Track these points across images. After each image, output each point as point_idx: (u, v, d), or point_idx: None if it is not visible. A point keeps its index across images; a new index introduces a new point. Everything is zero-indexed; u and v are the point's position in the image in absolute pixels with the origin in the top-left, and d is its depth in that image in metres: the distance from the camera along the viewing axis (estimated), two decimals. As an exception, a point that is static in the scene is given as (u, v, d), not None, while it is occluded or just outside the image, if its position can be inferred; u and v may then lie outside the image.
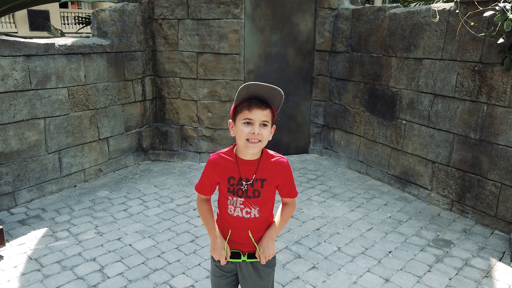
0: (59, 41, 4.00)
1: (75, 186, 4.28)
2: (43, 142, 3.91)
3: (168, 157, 5.23)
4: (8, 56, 3.52)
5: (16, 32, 17.99)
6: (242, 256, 1.73)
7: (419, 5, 6.40)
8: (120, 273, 2.78)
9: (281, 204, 1.81)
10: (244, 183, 1.64)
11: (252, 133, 1.56)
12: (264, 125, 1.58)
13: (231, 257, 1.73)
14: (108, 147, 4.64)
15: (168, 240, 3.23)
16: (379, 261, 2.98)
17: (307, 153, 5.55)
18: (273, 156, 1.70)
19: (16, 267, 2.82)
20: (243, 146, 1.60)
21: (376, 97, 4.55)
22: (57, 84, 3.95)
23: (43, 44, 3.80)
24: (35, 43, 3.74)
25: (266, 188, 1.67)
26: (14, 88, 3.60)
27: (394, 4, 4.48)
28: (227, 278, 1.81)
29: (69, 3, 21.36)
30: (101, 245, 3.13)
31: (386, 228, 3.49)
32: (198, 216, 3.63)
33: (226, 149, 1.72)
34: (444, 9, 3.70)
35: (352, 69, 4.85)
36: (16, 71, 3.59)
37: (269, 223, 1.79)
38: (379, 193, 4.27)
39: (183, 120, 5.14)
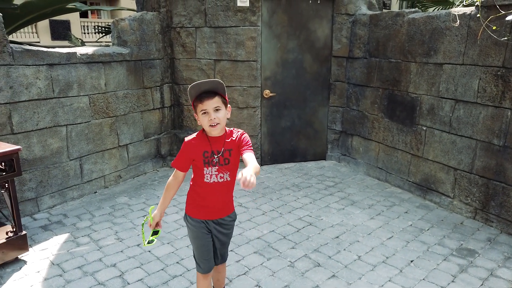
0: (80, 50, 4.09)
1: (95, 192, 4.34)
2: (65, 149, 3.99)
3: (185, 164, 5.26)
4: (32, 65, 3.62)
5: (39, 42, 18.52)
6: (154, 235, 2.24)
7: (438, 9, 6.33)
8: (140, 279, 2.79)
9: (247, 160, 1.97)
10: (216, 155, 2.03)
11: (210, 120, 1.96)
12: (217, 109, 1.96)
13: (152, 234, 2.23)
14: (127, 153, 4.71)
15: (187, 246, 3.24)
16: (401, 271, 2.92)
17: (325, 159, 5.51)
18: (234, 131, 2.11)
19: (39, 272, 2.87)
20: (209, 130, 2.00)
21: (395, 103, 4.50)
22: (78, 92, 4.04)
23: (65, 53, 3.90)
24: (57, 52, 3.83)
25: (233, 156, 2.07)
26: (38, 96, 3.69)
27: (413, 9, 4.43)
28: (206, 238, 2.17)
29: (89, 13, 21.88)
30: (121, 251, 3.16)
31: (407, 236, 3.43)
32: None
33: (196, 133, 2.10)
34: (464, 13, 3.64)
35: (370, 74, 4.81)
36: (40, 79, 3.69)
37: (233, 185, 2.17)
38: (400, 200, 4.19)
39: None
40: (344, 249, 3.21)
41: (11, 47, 3.45)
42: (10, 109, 3.49)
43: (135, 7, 6.78)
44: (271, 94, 5.08)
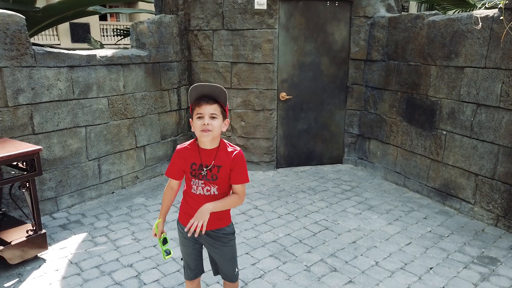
0: (100, 53, 4.15)
1: (113, 193, 4.39)
2: (84, 150, 4.05)
3: (201, 166, 5.27)
4: (53, 67, 3.69)
5: (59, 44, 18.92)
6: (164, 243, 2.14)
7: (459, 12, 6.21)
8: (156, 280, 2.81)
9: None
10: (204, 168, 1.94)
11: (203, 124, 1.84)
12: (213, 117, 1.85)
13: (163, 243, 2.15)
14: (144, 155, 4.75)
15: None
16: (420, 278, 2.86)
17: (341, 163, 5.46)
18: (229, 147, 1.98)
19: (57, 270, 2.91)
20: (199, 136, 1.90)
21: (414, 106, 4.42)
22: (98, 94, 4.10)
23: (86, 55, 3.96)
24: (78, 54, 3.90)
25: (222, 173, 1.95)
26: (58, 98, 3.76)
27: (433, 12, 4.35)
28: (192, 246, 2.13)
29: (108, 16, 22.26)
30: (138, 252, 3.18)
31: (427, 243, 3.36)
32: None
33: (189, 142, 2.01)
34: (487, 15, 3.56)
35: (389, 78, 4.75)
36: (60, 81, 3.76)
37: None
38: (418, 206, 4.12)
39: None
40: (361, 255, 3.17)
41: (33, 49, 3.52)
42: (32, 110, 3.57)
43: (153, 10, 6.86)
44: (287, 97, 5.06)
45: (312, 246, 3.28)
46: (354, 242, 3.37)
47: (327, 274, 2.90)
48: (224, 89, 1.87)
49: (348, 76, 5.22)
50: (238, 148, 1.98)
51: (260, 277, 2.86)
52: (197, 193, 1.98)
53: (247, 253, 3.16)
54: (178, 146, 2.03)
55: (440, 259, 3.11)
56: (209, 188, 1.96)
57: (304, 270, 2.95)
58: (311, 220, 3.77)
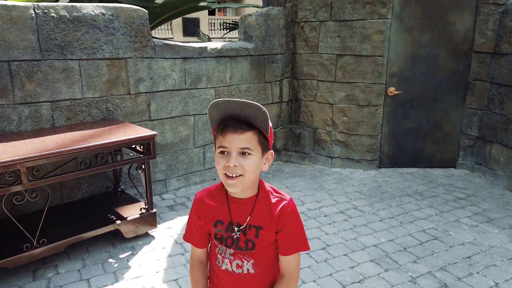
0: (210, 45, 4.32)
1: (214, 179, 4.59)
2: (191, 137, 4.28)
3: (299, 159, 5.23)
4: (169, 58, 3.95)
5: (172, 38, 20.52)
6: None
7: None
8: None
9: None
10: (236, 229, 1.28)
11: (227, 166, 1.18)
12: (245, 153, 1.19)
13: None
14: (245, 145, 4.86)
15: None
16: (553, 310, 2.43)
17: (454, 167, 4.92)
18: (273, 195, 1.30)
19: (164, 248, 3.13)
20: (224, 182, 1.24)
21: (554, 107, 3.76)
22: (206, 85, 4.29)
23: (198, 47, 4.16)
24: (191, 46, 4.11)
25: (263, 239, 1.27)
26: (172, 87, 4.02)
27: None
28: None
29: (216, 10, 23.44)
30: (236, 240, 3.26)
31: None
32: (330, 223, 3.51)
33: (214, 186, 1.37)
34: None
35: (522, 73, 4.11)
36: (175, 72, 4.01)
37: (272, 281, 1.34)
38: (552, 224, 3.52)
39: (317, 123, 5.07)
40: (478, 272, 2.80)
41: (153, 42, 3.81)
42: (150, 98, 3.87)
43: (258, 3, 6.96)
44: (396, 92, 4.71)
45: (419, 256, 3.01)
46: (469, 257, 3.00)
47: (435, 289, 2.63)
48: (263, 108, 1.20)
49: (469, 71, 4.66)
50: (288, 196, 1.31)
51: (359, 281, 2.71)
52: (223, 268, 1.31)
53: (345, 255, 3.02)
54: (198, 193, 1.40)
55: None
56: (240, 263, 1.28)
57: (409, 281, 2.71)
58: (417, 227, 3.46)
